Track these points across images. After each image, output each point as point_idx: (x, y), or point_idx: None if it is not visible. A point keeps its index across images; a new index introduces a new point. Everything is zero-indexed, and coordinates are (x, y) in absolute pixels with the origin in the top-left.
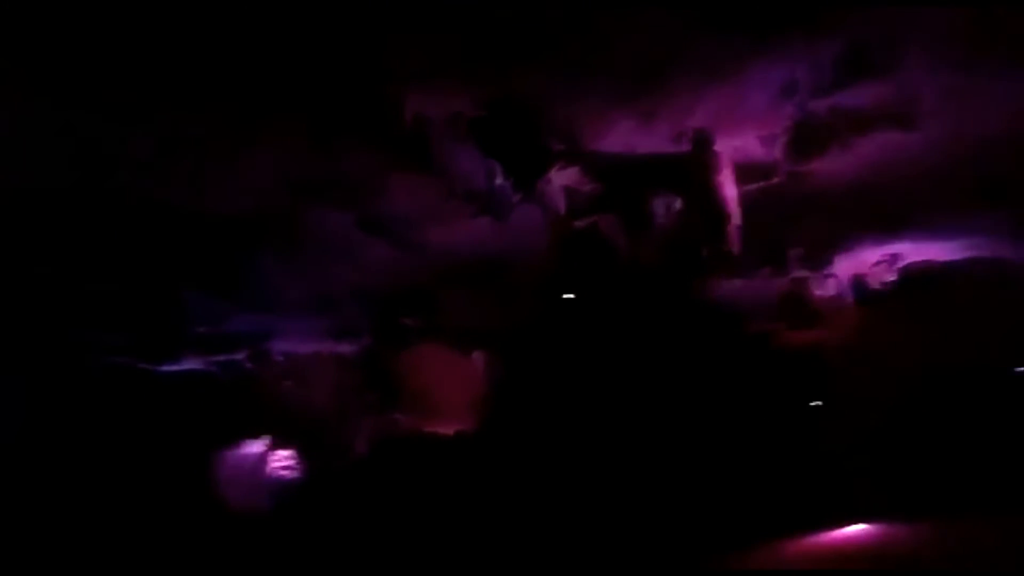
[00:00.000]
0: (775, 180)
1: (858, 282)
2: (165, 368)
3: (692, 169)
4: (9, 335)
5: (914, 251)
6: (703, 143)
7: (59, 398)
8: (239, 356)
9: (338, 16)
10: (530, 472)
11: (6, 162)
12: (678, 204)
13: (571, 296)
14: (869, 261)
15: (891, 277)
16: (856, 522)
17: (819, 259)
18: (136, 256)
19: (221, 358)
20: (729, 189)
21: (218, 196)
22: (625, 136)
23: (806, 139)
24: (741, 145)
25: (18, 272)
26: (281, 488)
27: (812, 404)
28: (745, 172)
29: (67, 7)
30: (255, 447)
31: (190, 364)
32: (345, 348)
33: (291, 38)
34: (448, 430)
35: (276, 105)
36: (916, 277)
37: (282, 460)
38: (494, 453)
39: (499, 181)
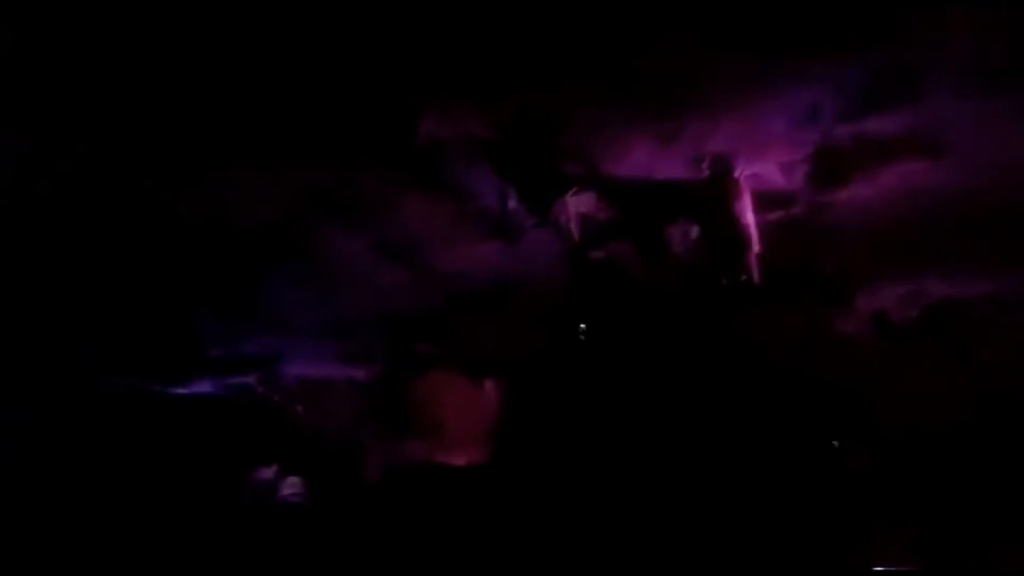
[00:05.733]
0: (795, 210)
1: (880, 318)
2: (176, 391)
3: (710, 195)
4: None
5: (939, 286)
6: (722, 169)
7: (64, 422)
8: (249, 379)
9: (354, 33)
10: (541, 503)
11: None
12: (696, 232)
13: (585, 325)
14: (892, 296)
15: (915, 313)
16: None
17: (840, 293)
18: (144, 273)
19: (232, 381)
20: (748, 217)
21: (226, 209)
22: (643, 160)
23: (828, 168)
24: (761, 172)
25: (20, 287)
26: (291, 515)
27: (832, 444)
28: (765, 201)
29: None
30: (266, 473)
31: (201, 387)
32: (357, 373)
33: (307, 50)
34: (460, 460)
35: (287, 118)
36: (941, 313)
37: (292, 487)
38: (504, 484)
39: (512, 204)
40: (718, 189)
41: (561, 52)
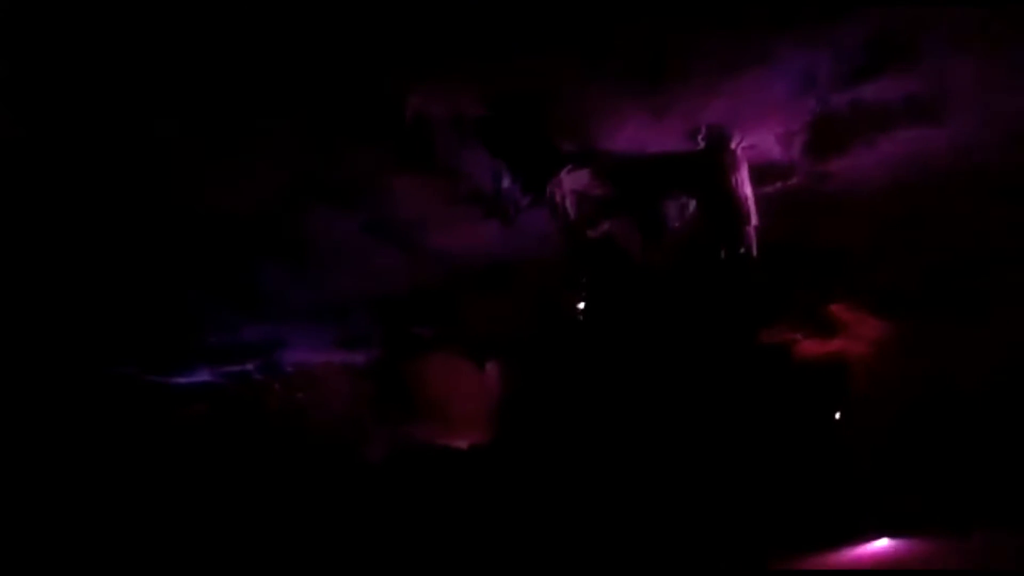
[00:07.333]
0: (794, 181)
1: (881, 289)
2: (176, 380)
3: (707, 168)
4: (11, 347)
5: (939, 255)
6: (718, 141)
7: (66, 411)
8: (249, 367)
9: (338, 12)
10: (545, 484)
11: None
12: (692, 206)
13: (584, 304)
14: (893, 267)
15: (916, 283)
16: (879, 537)
17: (839, 265)
18: (142, 262)
19: (231, 369)
20: (746, 189)
21: (220, 197)
22: (637, 134)
23: (826, 137)
24: (758, 143)
25: (19, 279)
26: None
27: (833, 416)
28: (763, 173)
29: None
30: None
31: (200, 376)
32: (356, 358)
33: (292, 35)
34: (462, 442)
35: (275, 101)
36: (943, 283)
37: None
38: (509, 466)
39: (507, 183)
40: (714, 162)
41: (549, 25)
